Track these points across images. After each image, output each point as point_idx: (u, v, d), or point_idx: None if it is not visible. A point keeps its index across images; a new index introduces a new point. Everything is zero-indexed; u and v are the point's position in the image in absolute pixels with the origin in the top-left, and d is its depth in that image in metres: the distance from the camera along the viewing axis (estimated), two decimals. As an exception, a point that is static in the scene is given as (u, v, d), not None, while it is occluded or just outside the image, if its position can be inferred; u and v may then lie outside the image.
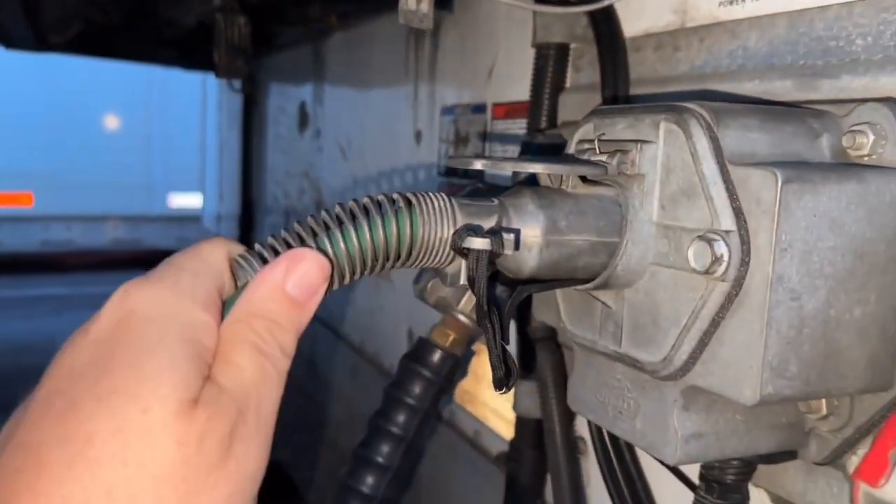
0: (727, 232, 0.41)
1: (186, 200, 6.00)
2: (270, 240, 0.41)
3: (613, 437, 0.68)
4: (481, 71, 0.98)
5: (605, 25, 0.70)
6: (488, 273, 0.42)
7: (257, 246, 0.40)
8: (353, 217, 0.41)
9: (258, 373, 0.35)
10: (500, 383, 0.45)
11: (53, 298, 5.94)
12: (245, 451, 0.33)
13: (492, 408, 0.94)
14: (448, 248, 0.42)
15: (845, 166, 0.44)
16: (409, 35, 1.18)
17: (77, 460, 0.30)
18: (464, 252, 0.41)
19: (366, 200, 0.42)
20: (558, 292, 0.54)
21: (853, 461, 0.45)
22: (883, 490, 0.31)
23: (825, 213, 0.41)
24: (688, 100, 0.45)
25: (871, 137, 0.45)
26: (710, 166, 0.42)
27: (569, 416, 0.74)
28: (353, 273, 0.41)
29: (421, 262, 0.43)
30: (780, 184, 0.39)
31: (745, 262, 0.41)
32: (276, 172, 1.95)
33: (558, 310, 0.55)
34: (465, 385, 1.00)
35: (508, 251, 0.42)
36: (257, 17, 1.50)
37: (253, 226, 2.26)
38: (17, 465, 0.30)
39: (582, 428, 0.77)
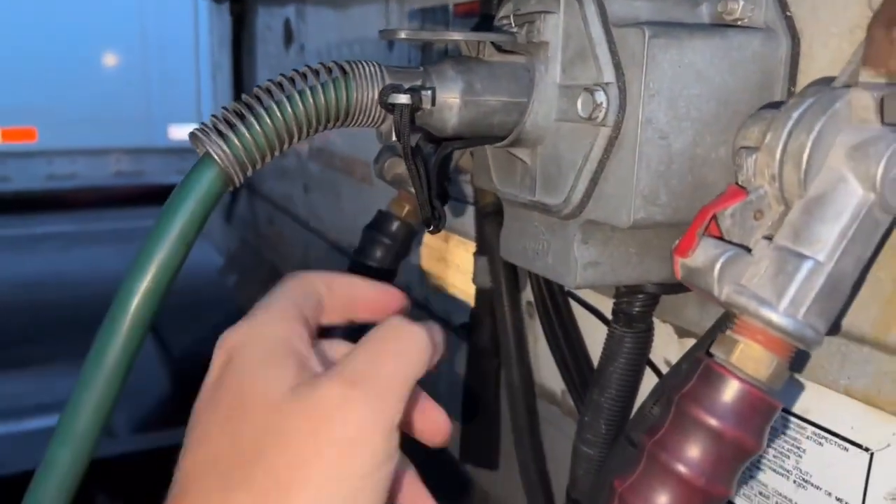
0: (607, 84, 0.49)
1: (185, 132, 6.03)
2: (232, 105, 0.49)
3: (552, 297, 0.77)
4: (443, -26, 1.04)
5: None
6: (412, 128, 0.50)
7: (211, 118, 0.48)
8: (296, 85, 0.49)
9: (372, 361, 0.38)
10: (429, 222, 0.53)
11: (61, 236, 6.05)
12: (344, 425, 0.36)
13: (459, 287, 1.03)
14: (377, 107, 0.50)
15: (713, 26, 0.51)
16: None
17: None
18: (389, 107, 0.50)
19: (305, 69, 0.50)
20: (490, 156, 0.63)
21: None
22: (691, 258, 0.40)
23: (690, 65, 0.48)
24: (584, -25, 0.52)
25: (741, 3, 0.52)
26: (596, 29, 0.50)
27: (515, 283, 0.84)
28: (299, 135, 0.49)
29: (357, 122, 0.51)
30: (647, 38, 0.47)
31: (622, 108, 0.49)
32: (265, 91, 2.01)
33: (490, 173, 0.63)
34: (436, 271, 1.09)
35: (427, 105, 0.50)
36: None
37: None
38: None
39: (531, 295, 0.87)
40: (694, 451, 0.37)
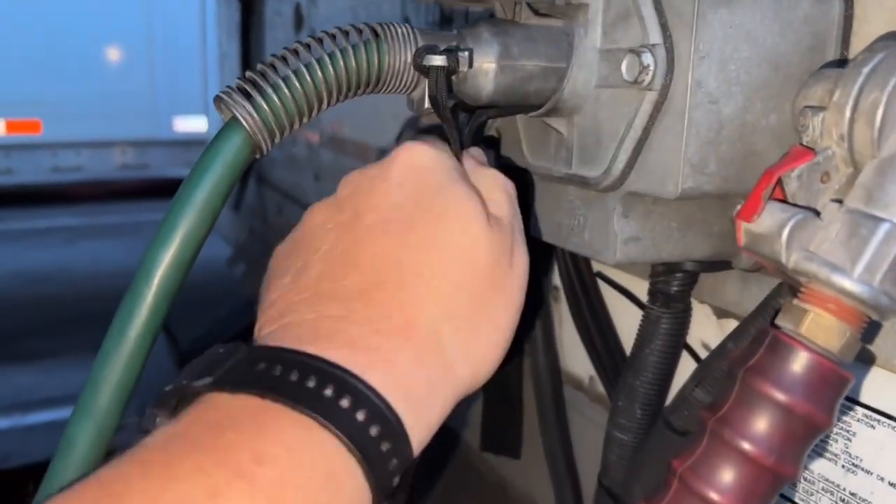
0: (654, 45, 0.46)
1: (191, 124, 6.02)
2: (259, 67, 0.46)
3: (581, 279, 0.75)
4: (463, -49, 1.01)
5: None
6: (449, 93, 0.48)
7: (236, 81, 0.46)
8: (325, 47, 0.46)
9: (510, 203, 0.46)
10: None
11: (66, 229, 6.05)
12: (519, 258, 0.44)
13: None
14: (411, 71, 0.48)
15: (764, -14, 0.49)
16: (397, -75, 1.20)
17: (424, 265, 0.39)
18: (424, 70, 0.47)
19: (335, 31, 0.47)
20: (521, 128, 0.60)
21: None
22: (756, 223, 0.37)
23: (741, 26, 0.46)
24: (627, -66, 0.50)
25: (792, -38, 0.49)
26: (641, -11, 0.47)
27: (545, 268, 0.81)
28: (329, 100, 0.47)
29: (389, 87, 0.49)
30: (697, -3, 0.44)
31: (669, 71, 0.46)
32: (275, 78, 1.98)
33: (521, 147, 0.61)
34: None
35: (464, 67, 0.47)
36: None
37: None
38: (356, 285, 0.39)
39: (557, 279, 0.84)
40: (762, 426, 0.34)
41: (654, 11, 0.47)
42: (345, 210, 0.43)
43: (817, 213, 0.37)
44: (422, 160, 0.44)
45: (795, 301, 0.36)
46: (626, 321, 0.74)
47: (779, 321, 0.36)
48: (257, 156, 0.46)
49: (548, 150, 0.57)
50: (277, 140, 0.46)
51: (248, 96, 0.44)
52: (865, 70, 0.36)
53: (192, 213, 0.43)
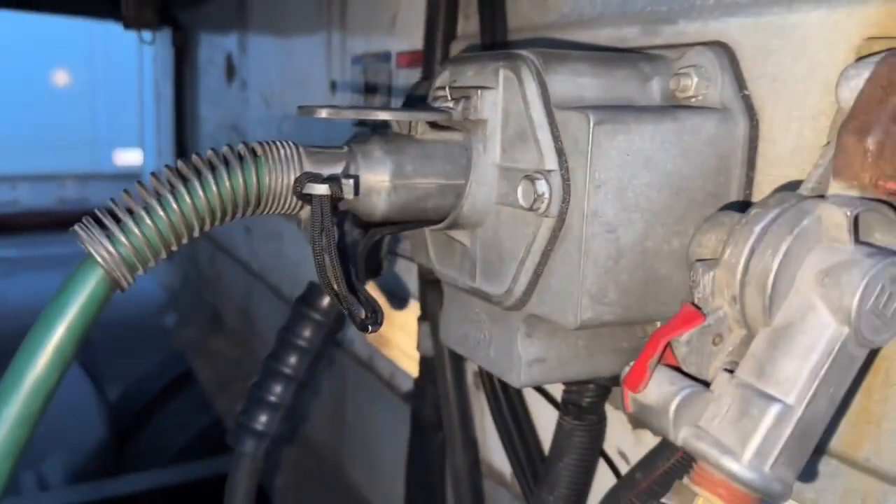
0: (549, 171, 0.44)
1: (129, 157, 5.88)
2: (122, 198, 0.42)
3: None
4: (385, 20, 0.99)
5: (486, -26, 0.71)
6: (333, 217, 0.44)
7: (97, 211, 0.41)
8: (199, 172, 0.42)
9: None
10: (363, 324, 0.47)
11: (3, 261, 5.82)
12: None
13: (403, 350, 0.97)
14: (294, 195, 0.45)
15: (663, 108, 0.47)
16: (324, -17, 1.18)
17: None
18: (306, 198, 0.44)
19: (210, 154, 0.44)
20: (427, 236, 0.57)
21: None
22: (643, 394, 0.35)
23: (639, 152, 0.44)
24: (525, 47, 0.48)
25: (695, 79, 0.48)
26: (537, 110, 0.45)
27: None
28: (201, 227, 0.43)
29: (271, 209, 0.46)
30: (591, 125, 0.42)
31: (566, 199, 0.44)
32: (207, 125, 1.94)
33: (428, 252, 0.58)
34: (381, 331, 1.03)
35: (349, 196, 0.44)
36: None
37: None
38: None
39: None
40: None
41: (550, 136, 0.44)
42: None
43: (707, 385, 0.34)
44: None
45: (686, 480, 0.34)
46: (544, 415, 0.71)
47: (668, 501, 0.34)
48: (119, 290, 0.42)
49: (454, 260, 0.55)
50: (142, 272, 0.42)
51: (105, 231, 0.40)
52: (757, 228, 0.33)
53: (39, 366, 0.39)
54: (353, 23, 1.09)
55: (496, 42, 0.70)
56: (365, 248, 0.48)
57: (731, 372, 0.34)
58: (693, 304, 0.36)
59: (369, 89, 1.04)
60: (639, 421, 0.60)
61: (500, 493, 0.77)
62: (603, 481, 0.61)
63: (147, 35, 1.90)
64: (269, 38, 1.47)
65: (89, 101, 6.07)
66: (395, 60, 0.96)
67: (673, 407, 0.33)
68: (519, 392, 0.72)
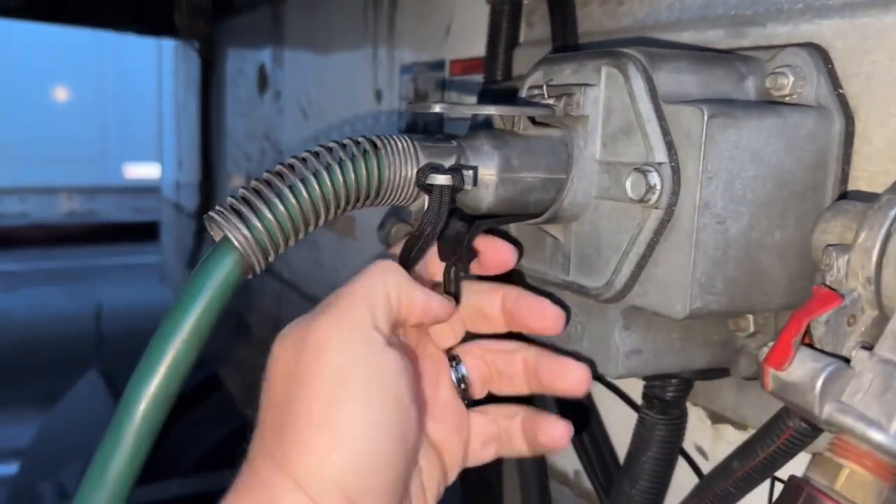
0: (660, 164, 0.46)
1: (143, 171, 5.89)
2: (253, 183, 0.44)
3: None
4: (438, 29, 1.01)
5: (555, -19, 0.73)
6: (450, 208, 0.46)
7: (229, 198, 0.43)
8: (322, 161, 0.44)
9: None
10: None
11: (8, 274, 5.82)
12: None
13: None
14: (412, 186, 0.46)
15: (766, 104, 0.49)
16: (368, -5, 1.20)
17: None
18: (428, 188, 0.45)
19: (332, 144, 0.45)
20: (514, 231, 0.59)
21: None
22: (787, 372, 0.36)
23: (747, 146, 0.45)
24: (627, 46, 0.49)
25: (791, 79, 0.50)
26: (645, 105, 0.47)
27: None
28: (326, 215, 0.44)
29: (388, 200, 0.47)
30: (706, 118, 0.44)
31: (675, 191, 0.45)
32: (236, 136, 1.96)
33: (513, 247, 0.59)
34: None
35: (468, 186, 0.46)
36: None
37: (214, 192, 2.26)
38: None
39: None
40: None
41: (660, 129, 0.46)
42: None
43: (847, 361, 0.36)
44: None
45: (828, 453, 0.35)
46: (614, 413, 0.72)
47: (811, 474, 0.35)
48: (250, 276, 0.43)
49: (543, 255, 0.56)
50: (272, 259, 0.43)
51: (240, 215, 0.42)
52: (892, 213, 0.35)
53: (178, 343, 0.40)
54: (402, 33, 1.11)
55: (567, 46, 0.71)
56: (471, 238, 0.49)
57: (868, 349, 0.35)
58: (827, 285, 0.37)
59: (419, 97, 1.06)
60: (719, 416, 0.61)
61: (564, 491, 0.78)
62: (678, 476, 0.62)
63: (196, 44, 1.92)
64: (306, 50, 1.50)
65: (99, 114, 6.10)
66: (449, 68, 0.98)
67: (819, 383, 0.34)
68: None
